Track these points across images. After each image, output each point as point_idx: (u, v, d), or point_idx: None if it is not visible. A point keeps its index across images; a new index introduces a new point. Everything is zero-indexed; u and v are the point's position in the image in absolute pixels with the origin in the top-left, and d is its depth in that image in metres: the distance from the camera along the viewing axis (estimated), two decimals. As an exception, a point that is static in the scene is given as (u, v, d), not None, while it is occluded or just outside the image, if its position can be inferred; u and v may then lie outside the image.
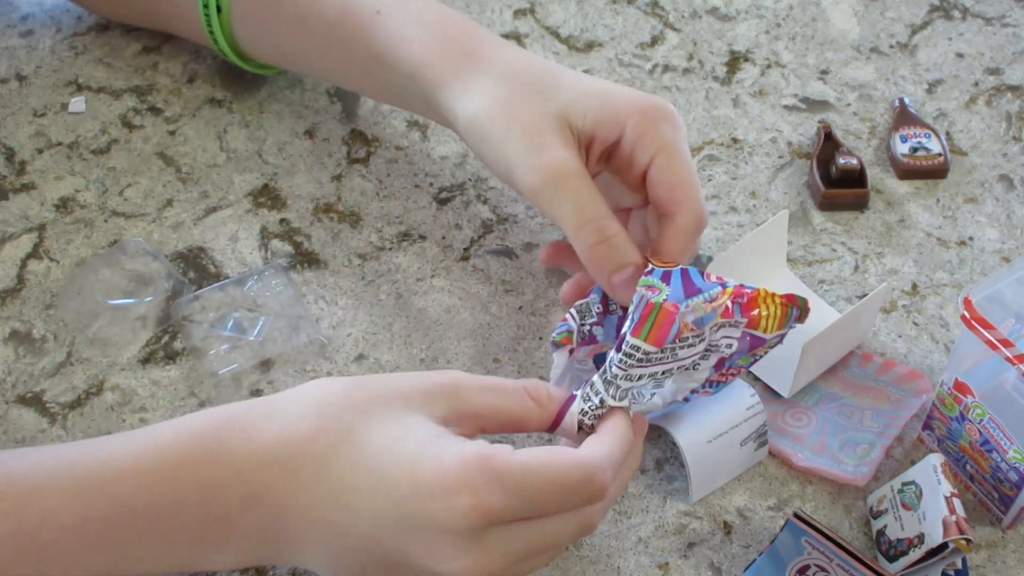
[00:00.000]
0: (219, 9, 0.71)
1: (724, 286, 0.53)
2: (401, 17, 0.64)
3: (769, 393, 0.64)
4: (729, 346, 0.54)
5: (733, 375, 0.57)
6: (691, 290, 0.53)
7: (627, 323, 0.53)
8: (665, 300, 0.52)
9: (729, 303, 0.53)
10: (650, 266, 0.55)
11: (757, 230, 0.66)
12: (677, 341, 0.51)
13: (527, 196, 0.59)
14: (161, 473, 0.48)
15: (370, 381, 0.50)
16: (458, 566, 0.47)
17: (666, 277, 0.54)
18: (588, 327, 0.58)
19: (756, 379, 0.64)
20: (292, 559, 0.50)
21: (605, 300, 0.58)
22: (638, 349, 0.51)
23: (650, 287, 0.53)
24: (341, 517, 0.48)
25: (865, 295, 0.69)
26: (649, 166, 0.58)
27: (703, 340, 0.53)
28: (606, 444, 0.50)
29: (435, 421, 0.49)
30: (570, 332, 0.56)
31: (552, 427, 0.53)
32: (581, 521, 0.50)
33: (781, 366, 0.62)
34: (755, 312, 0.53)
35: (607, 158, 0.60)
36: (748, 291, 0.53)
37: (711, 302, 0.52)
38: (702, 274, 0.54)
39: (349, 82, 0.72)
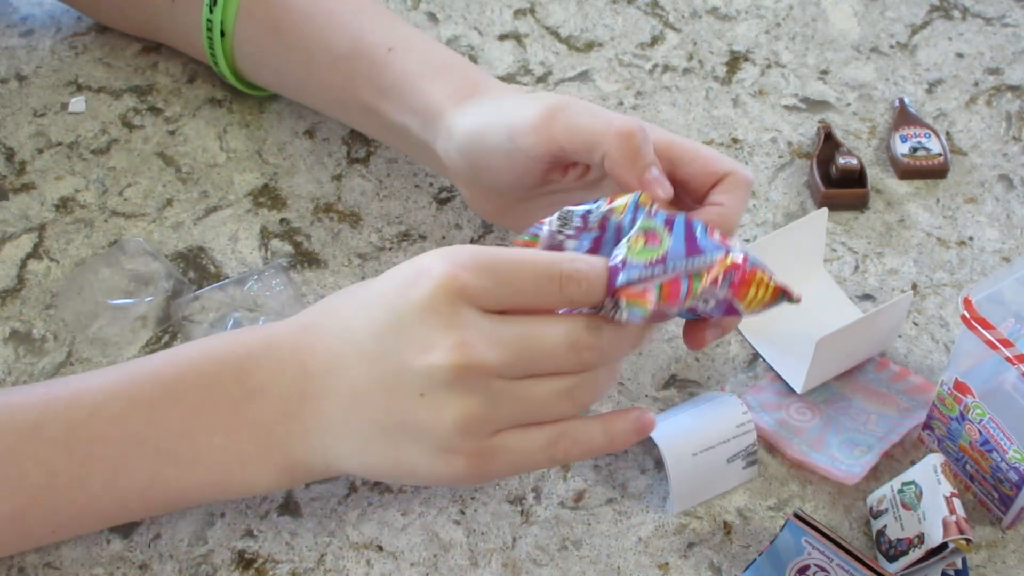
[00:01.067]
0: (223, 33, 0.71)
1: (728, 251, 0.51)
2: (411, 55, 0.66)
3: (782, 386, 0.64)
4: (706, 302, 0.52)
5: (695, 313, 0.55)
6: (693, 248, 0.51)
7: (622, 276, 0.51)
8: (668, 281, 0.51)
9: (721, 275, 0.51)
10: (655, 207, 0.53)
11: (792, 225, 0.66)
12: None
13: (530, 157, 0.58)
14: (206, 352, 0.53)
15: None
16: (446, 346, 0.48)
17: (669, 223, 0.52)
18: (562, 237, 0.55)
19: (770, 369, 0.65)
20: (314, 439, 0.52)
21: (585, 217, 0.55)
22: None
23: (650, 232, 0.52)
24: (346, 349, 0.51)
25: (867, 295, 0.69)
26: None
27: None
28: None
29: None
30: (536, 236, 0.55)
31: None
32: (573, 332, 0.50)
33: (798, 361, 0.62)
34: (744, 292, 0.52)
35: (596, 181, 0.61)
36: (747, 269, 0.51)
37: (707, 271, 0.51)
38: (706, 229, 0.52)
39: (344, 115, 0.72)
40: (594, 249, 0.55)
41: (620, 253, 0.52)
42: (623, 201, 0.54)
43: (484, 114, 0.61)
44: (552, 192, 0.63)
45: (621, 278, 0.51)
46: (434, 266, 0.49)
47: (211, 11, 0.70)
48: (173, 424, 0.52)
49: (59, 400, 0.52)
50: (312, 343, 0.52)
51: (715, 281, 0.51)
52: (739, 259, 0.51)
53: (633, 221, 0.53)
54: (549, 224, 0.54)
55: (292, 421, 0.52)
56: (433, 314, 0.48)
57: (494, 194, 0.64)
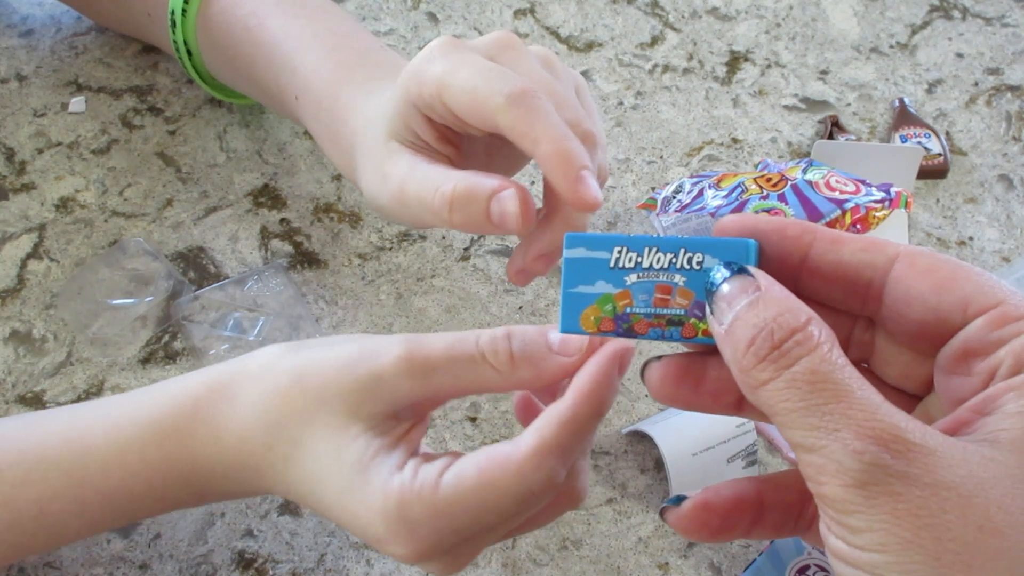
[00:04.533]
0: (190, 52, 0.70)
1: (842, 208, 0.59)
2: (309, 109, 0.62)
3: None
4: None
5: None
6: (812, 212, 0.59)
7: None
8: None
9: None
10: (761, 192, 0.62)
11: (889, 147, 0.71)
12: None
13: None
14: (146, 467, 0.49)
15: (309, 375, 0.46)
16: (410, 562, 0.46)
17: (782, 197, 0.61)
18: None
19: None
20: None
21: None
22: None
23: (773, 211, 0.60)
24: (303, 500, 0.48)
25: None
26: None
27: None
28: (557, 431, 0.42)
29: (373, 426, 0.45)
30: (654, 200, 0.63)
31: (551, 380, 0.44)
32: (548, 514, 0.46)
33: None
34: None
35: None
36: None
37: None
38: (812, 185, 0.59)
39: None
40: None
41: None
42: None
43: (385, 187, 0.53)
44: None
45: None
46: (392, 543, 0.44)
47: (174, 32, 0.69)
48: (131, 509, 0.51)
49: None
50: (264, 487, 0.48)
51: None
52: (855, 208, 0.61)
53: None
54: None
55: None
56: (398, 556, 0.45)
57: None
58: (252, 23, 0.66)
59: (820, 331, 0.33)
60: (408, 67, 0.50)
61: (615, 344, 0.42)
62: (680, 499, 0.38)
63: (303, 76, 0.62)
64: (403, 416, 0.46)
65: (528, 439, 0.42)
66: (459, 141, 0.52)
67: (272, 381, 0.47)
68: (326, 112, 0.60)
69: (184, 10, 0.68)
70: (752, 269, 0.35)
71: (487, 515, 0.43)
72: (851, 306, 0.37)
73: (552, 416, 0.42)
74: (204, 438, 0.49)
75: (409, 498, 0.43)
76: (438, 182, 0.49)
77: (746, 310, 0.34)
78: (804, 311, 0.34)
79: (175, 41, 0.69)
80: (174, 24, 0.68)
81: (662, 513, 0.39)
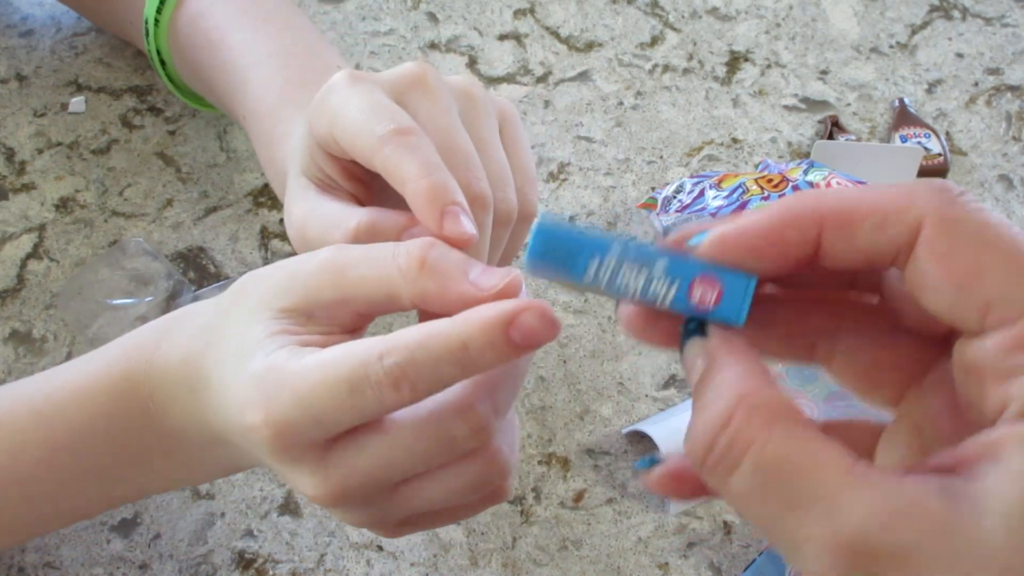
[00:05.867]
0: (163, 62, 0.70)
1: None
2: (254, 131, 0.61)
3: (783, 380, 0.64)
4: None
5: None
6: None
7: None
8: None
9: None
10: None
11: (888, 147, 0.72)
12: None
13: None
14: (109, 393, 0.47)
15: (252, 280, 0.44)
16: (299, 486, 0.43)
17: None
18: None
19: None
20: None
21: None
22: None
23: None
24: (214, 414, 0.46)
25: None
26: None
27: None
28: (415, 340, 0.38)
29: (280, 316, 0.42)
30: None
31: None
32: (461, 476, 0.42)
33: None
34: None
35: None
36: None
37: None
38: (813, 186, 0.62)
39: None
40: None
41: None
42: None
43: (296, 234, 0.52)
44: None
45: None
46: (250, 410, 0.41)
47: (148, 40, 0.69)
48: (101, 462, 0.48)
49: None
50: (197, 405, 0.45)
51: None
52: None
53: None
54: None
55: (211, 440, 0.47)
56: (270, 456, 0.42)
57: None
58: (215, 36, 0.65)
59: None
60: (313, 100, 0.48)
61: (520, 304, 0.38)
62: (654, 461, 0.37)
63: (251, 96, 0.61)
64: (318, 318, 0.42)
65: (386, 336, 0.39)
66: (369, 179, 0.49)
67: (230, 289, 0.45)
68: (265, 136, 0.58)
69: (157, 20, 0.67)
70: (710, 331, 0.34)
71: (325, 395, 0.39)
72: (869, 288, 0.35)
73: (419, 327, 0.39)
74: (165, 349, 0.46)
75: (274, 365, 0.40)
76: (340, 219, 0.47)
77: (697, 395, 0.34)
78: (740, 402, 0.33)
79: (149, 50, 0.69)
80: (147, 33, 0.68)
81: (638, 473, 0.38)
